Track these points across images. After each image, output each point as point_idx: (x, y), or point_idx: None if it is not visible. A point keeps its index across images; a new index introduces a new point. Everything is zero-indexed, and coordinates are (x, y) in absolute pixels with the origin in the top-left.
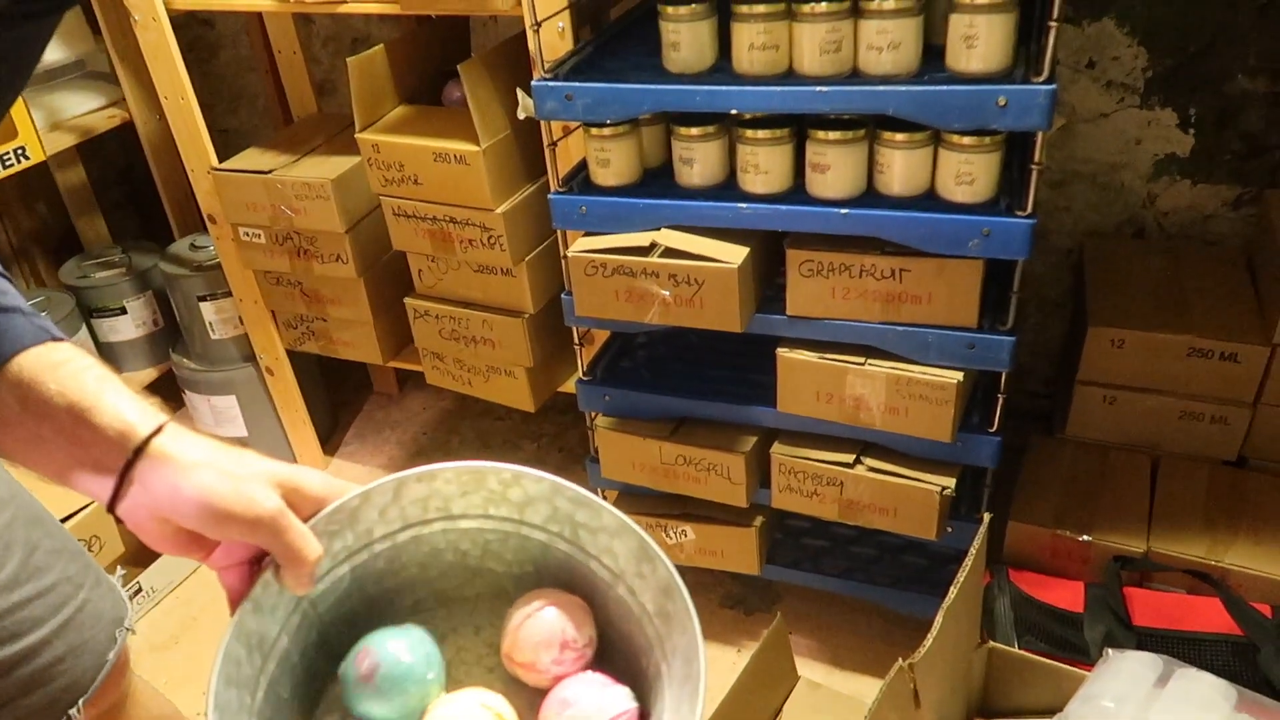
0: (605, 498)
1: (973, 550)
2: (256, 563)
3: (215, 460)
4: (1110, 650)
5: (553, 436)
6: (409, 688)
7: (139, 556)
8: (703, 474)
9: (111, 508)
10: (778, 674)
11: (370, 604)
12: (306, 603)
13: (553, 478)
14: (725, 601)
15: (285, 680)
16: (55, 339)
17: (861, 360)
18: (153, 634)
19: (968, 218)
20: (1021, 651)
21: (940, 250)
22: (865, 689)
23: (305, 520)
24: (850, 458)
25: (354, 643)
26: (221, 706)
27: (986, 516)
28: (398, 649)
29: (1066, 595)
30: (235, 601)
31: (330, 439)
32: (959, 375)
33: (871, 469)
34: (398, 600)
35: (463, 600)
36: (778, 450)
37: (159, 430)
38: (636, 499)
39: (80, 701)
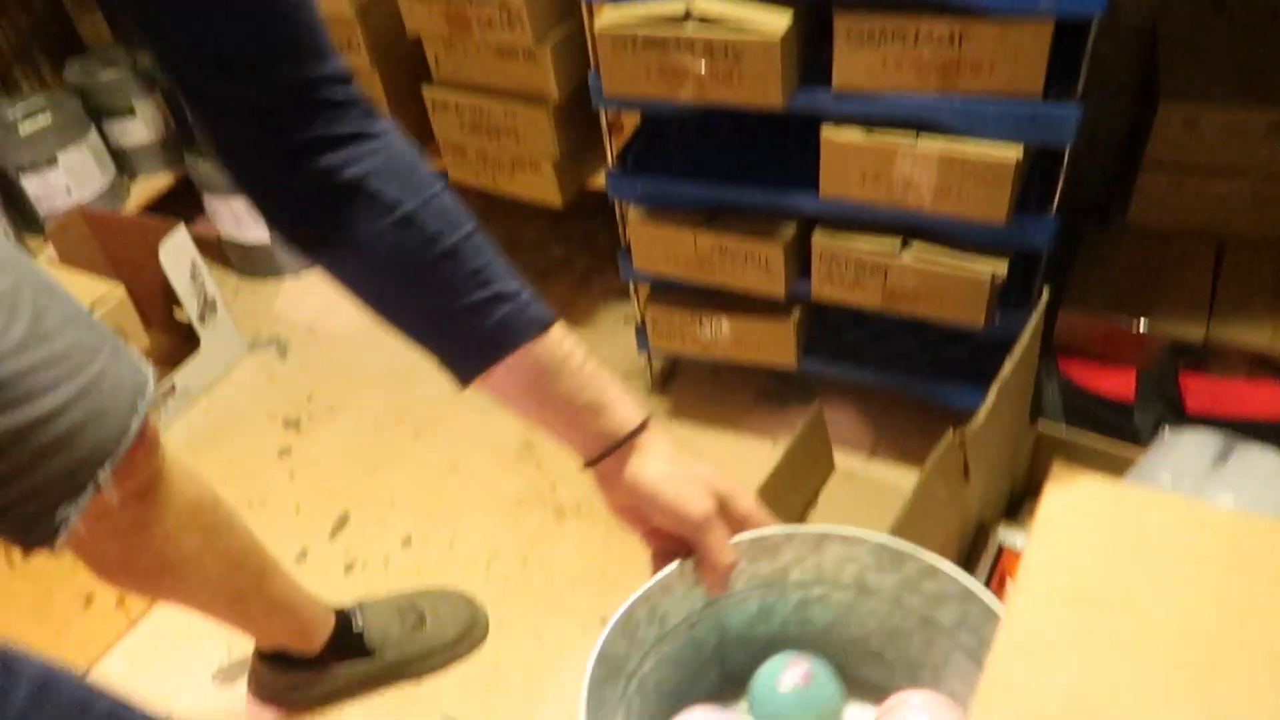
0: (638, 293)
1: (1030, 325)
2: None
3: (672, 460)
4: (1168, 428)
5: (583, 237)
6: (827, 705)
7: (168, 355)
8: (739, 264)
9: (589, 465)
10: (815, 462)
11: (761, 639)
12: (716, 614)
13: (969, 581)
14: (761, 396)
15: (661, 670)
16: (546, 327)
17: (913, 138)
18: (190, 435)
19: None
20: (1072, 431)
21: (1005, 8)
22: (903, 480)
23: (732, 531)
24: (896, 244)
25: (742, 666)
26: (606, 656)
27: (1046, 290)
28: (826, 669)
29: (1118, 384)
30: (654, 560)
31: None
32: (1018, 151)
33: (918, 255)
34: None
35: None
36: (819, 237)
37: (642, 427)
38: (670, 292)
39: (106, 465)
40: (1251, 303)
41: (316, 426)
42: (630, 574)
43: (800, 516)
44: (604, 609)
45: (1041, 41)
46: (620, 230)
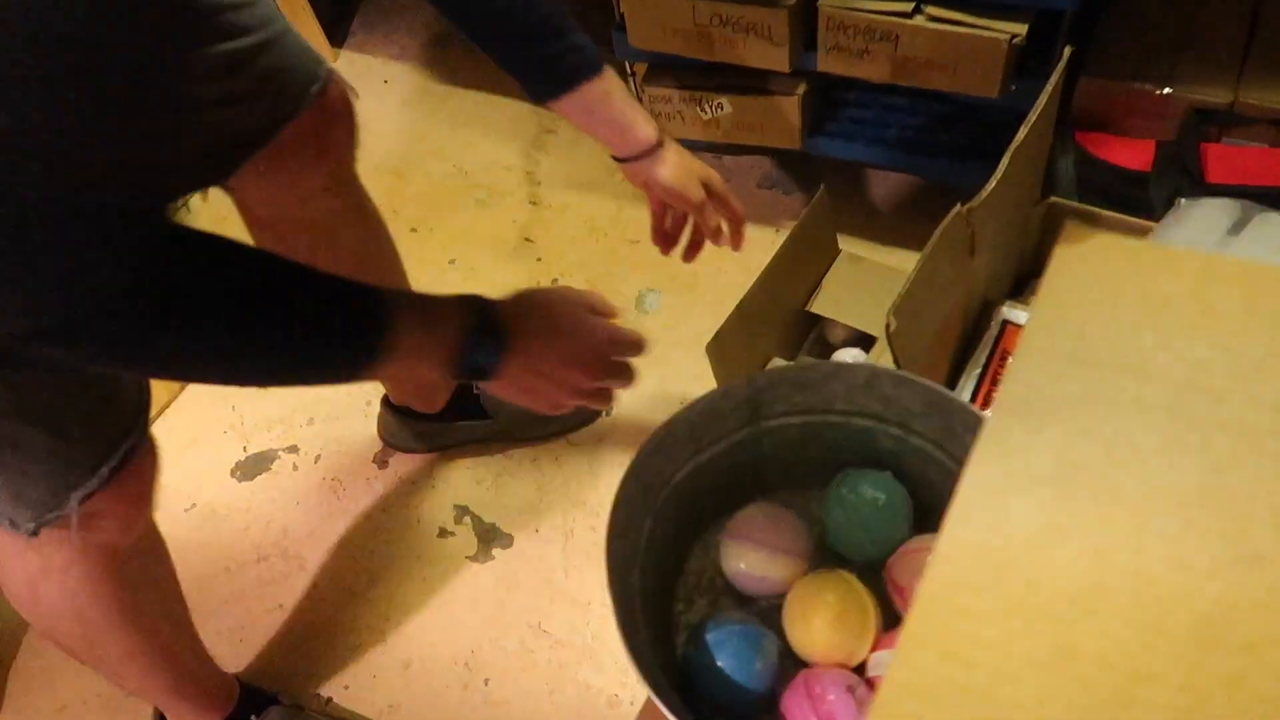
0: (634, 72)
1: (1048, 88)
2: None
3: (676, 164)
4: (1182, 200)
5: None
6: (899, 519)
7: None
8: (740, 35)
9: (622, 163)
10: (819, 246)
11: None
12: (755, 436)
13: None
14: (764, 182)
15: (697, 480)
16: (600, 70)
17: None
18: None
19: None
20: (1082, 205)
21: None
22: (908, 263)
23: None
24: (909, 5)
25: (780, 483)
26: (640, 470)
27: (1068, 50)
28: (896, 485)
29: (1137, 154)
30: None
31: (336, 30)
32: None
33: (932, 17)
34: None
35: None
36: (826, 2)
37: (659, 144)
38: (667, 71)
39: (312, 89)
40: None
41: None
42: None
43: (804, 301)
44: None
45: None
46: (614, 2)
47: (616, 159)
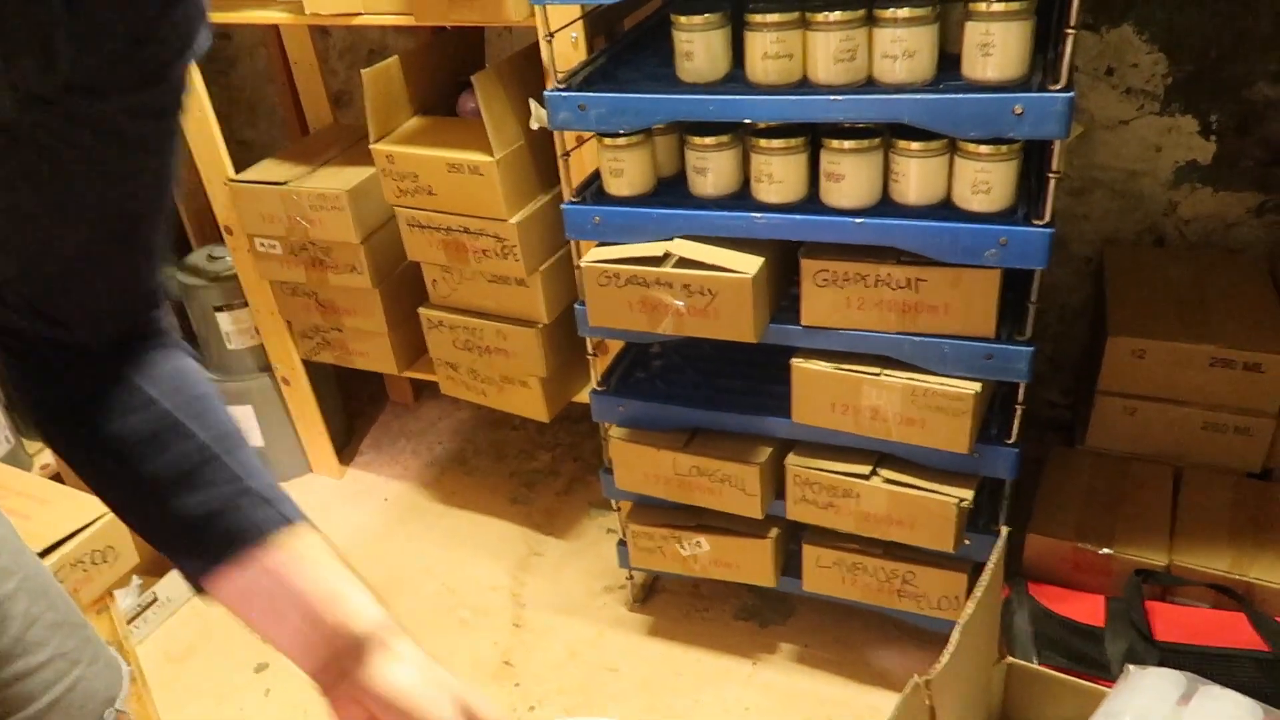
0: (619, 508)
1: (991, 564)
2: None
3: (422, 666)
4: (1131, 666)
5: (568, 446)
6: None
7: (154, 566)
8: (717, 485)
9: (318, 683)
10: None
11: None
12: None
13: None
14: (740, 614)
15: None
16: (292, 523)
17: (877, 371)
18: (169, 644)
19: (984, 227)
20: (1041, 667)
21: (956, 260)
22: (884, 703)
23: None
24: (866, 469)
25: None
26: None
27: (1004, 530)
28: None
29: (1087, 609)
30: None
31: (346, 449)
32: (977, 386)
33: (888, 480)
34: None
35: None
36: (793, 461)
37: (382, 630)
38: (650, 510)
39: None
40: (1210, 530)
41: None
42: None
43: None
44: None
45: (991, 288)
46: (603, 447)
47: (318, 682)
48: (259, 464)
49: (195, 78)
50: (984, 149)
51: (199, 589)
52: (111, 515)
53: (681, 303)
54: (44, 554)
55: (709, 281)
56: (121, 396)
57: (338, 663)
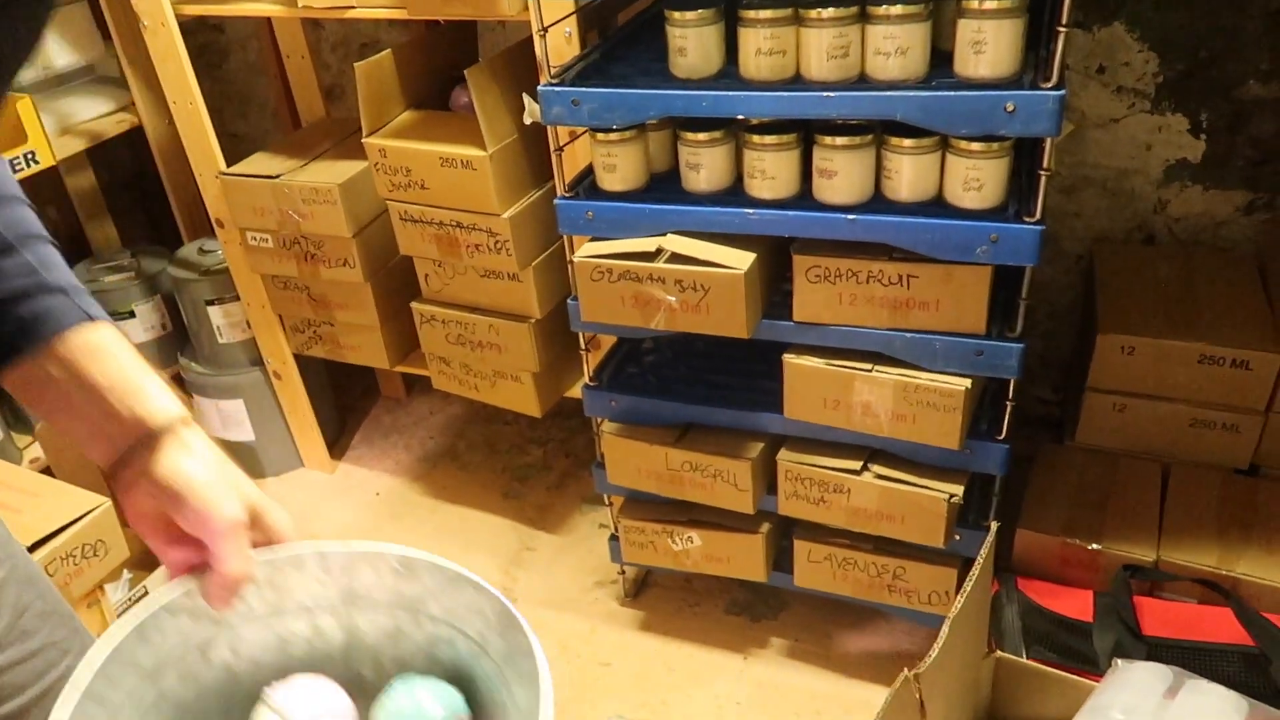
0: (611, 503)
1: (980, 559)
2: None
3: (211, 461)
4: (1119, 660)
5: (560, 441)
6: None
7: (144, 560)
8: (709, 480)
9: (110, 476)
10: None
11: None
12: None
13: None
14: (731, 608)
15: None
16: (93, 319)
17: (869, 366)
18: None
19: (975, 224)
20: (1029, 661)
21: (948, 257)
22: (874, 697)
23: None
24: (857, 464)
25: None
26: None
27: (994, 525)
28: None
29: (1075, 604)
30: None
31: (337, 443)
32: (967, 382)
33: (879, 476)
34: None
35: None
36: (784, 456)
37: (177, 423)
38: (642, 505)
39: None
40: (1197, 526)
41: None
42: None
43: None
44: None
45: (982, 284)
46: (596, 442)
47: (110, 475)
48: (61, 261)
49: (187, 72)
50: (975, 146)
51: None
52: (103, 509)
53: (674, 298)
54: (34, 548)
55: (702, 277)
56: None
57: (131, 454)
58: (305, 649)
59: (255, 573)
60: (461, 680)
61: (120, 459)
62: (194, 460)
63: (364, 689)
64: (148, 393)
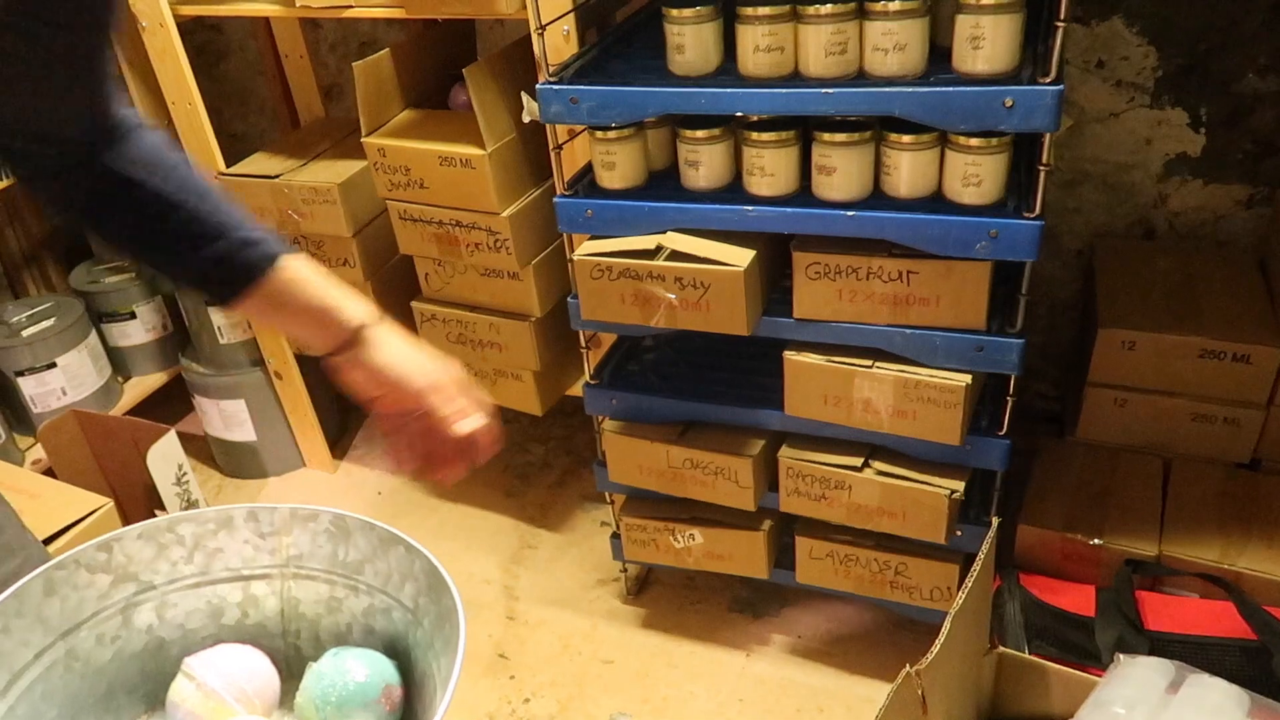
0: (613, 501)
1: (982, 554)
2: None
3: (410, 344)
4: (1121, 656)
5: (561, 439)
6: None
7: None
8: (710, 477)
9: (326, 362)
10: None
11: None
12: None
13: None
14: (734, 606)
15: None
16: (276, 260)
17: (869, 363)
18: None
19: (975, 219)
20: (1032, 657)
21: (947, 252)
22: (876, 693)
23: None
24: (858, 461)
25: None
26: None
27: (995, 520)
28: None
29: (1078, 599)
30: (386, 433)
31: (339, 443)
32: (967, 378)
33: (880, 472)
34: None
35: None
36: (785, 453)
37: (373, 322)
38: (644, 503)
39: None
40: (1198, 521)
41: None
42: None
43: None
44: None
45: (982, 280)
46: (597, 440)
47: (328, 361)
48: (238, 206)
49: (186, 72)
50: (974, 142)
51: (224, 305)
52: (105, 510)
53: (674, 296)
54: None
55: (701, 274)
56: (115, 190)
57: (343, 346)
58: (238, 617)
59: (479, 418)
60: (398, 654)
61: (334, 350)
62: (399, 345)
63: (300, 664)
64: (345, 304)
